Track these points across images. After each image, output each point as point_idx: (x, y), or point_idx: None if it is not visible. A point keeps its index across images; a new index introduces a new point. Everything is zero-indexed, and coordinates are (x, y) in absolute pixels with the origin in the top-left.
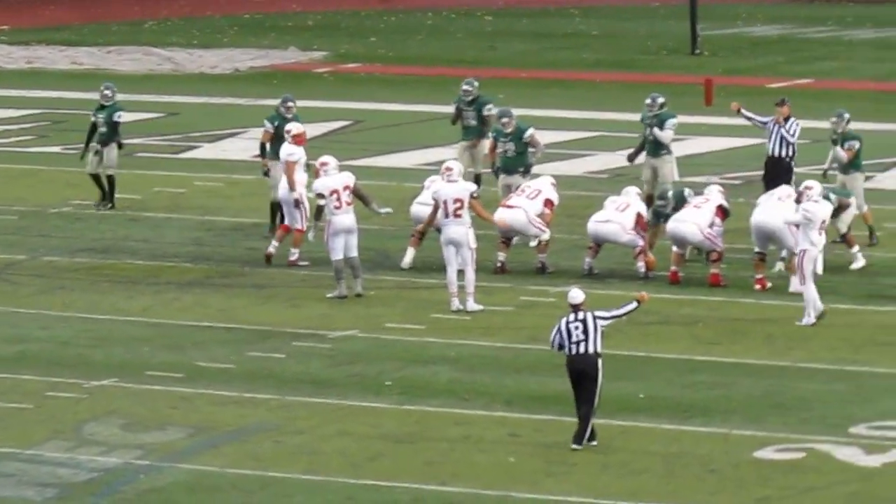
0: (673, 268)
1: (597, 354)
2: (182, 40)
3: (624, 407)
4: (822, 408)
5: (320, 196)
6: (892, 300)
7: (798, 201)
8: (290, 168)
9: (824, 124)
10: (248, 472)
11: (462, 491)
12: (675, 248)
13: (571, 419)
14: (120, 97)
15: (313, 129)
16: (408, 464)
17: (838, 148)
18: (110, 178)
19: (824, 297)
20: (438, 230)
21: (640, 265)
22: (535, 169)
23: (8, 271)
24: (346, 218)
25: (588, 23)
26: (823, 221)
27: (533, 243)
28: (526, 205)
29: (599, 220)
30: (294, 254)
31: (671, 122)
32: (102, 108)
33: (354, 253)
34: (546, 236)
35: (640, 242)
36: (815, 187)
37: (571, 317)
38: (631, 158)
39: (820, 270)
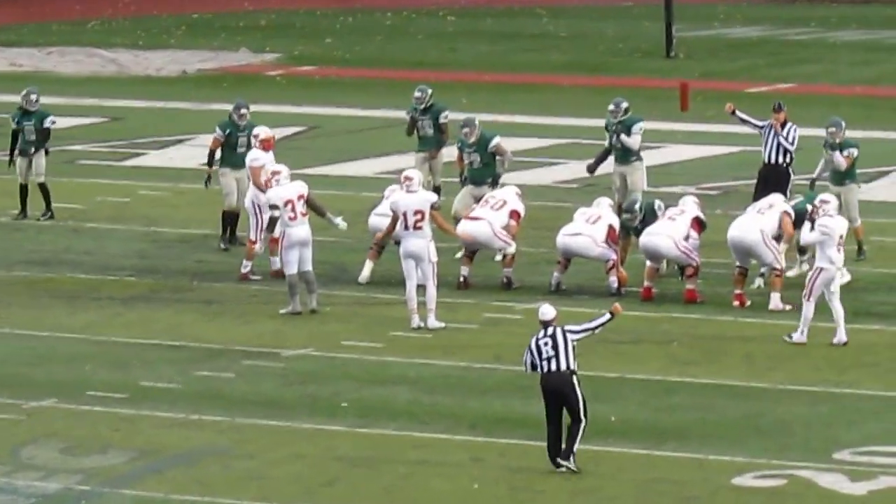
0: (646, 283)
1: (571, 371)
2: (127, 41)
3: (595, 431)
4: (805, 432)
5: (274, 207)
6: (879, 318)
7: (812, 218)
8: (255, 174)
9: (807, 132)
10: (194, 498)
11: None
12: (648, 263)
13: (538, 443)
14: (61, 100)
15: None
16: (365, 490)
17: (837, 153)
18: (43, 187)
19: None
20: (397, 243)
21: (612, 280)
22: (501, 178)
23: None
24: (301, 229)
25: (556, 23)
26: (841, 237)
27: (498, 257)
28: (490, 216)
29: (569, 232)
30: (246, 266)
31: (638, 126)
32: (27, 113)
33: (309, 266)
34: (512, 249)
35: (612, 256)
36: (832, 202)
37: (541, 333)
38: (591, 169)
39: (834, 288)
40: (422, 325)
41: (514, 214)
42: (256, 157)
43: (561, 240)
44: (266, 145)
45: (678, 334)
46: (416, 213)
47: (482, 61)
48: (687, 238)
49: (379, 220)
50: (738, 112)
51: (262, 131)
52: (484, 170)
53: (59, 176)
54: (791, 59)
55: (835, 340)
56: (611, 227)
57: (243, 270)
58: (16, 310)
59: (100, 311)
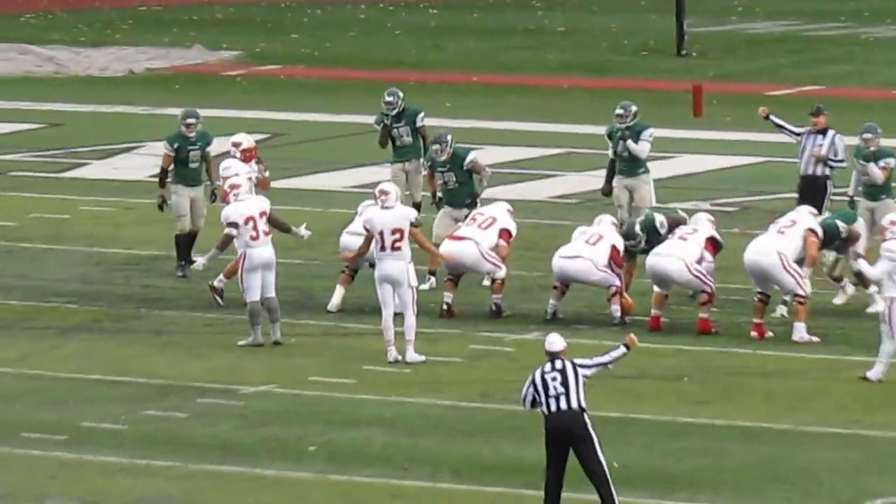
0: (654, 311)
1: (581, 409)
2: (66, 37)
3: None
4: (832, 480)
5: (232, 225)
6: None
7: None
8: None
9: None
10: None
11: None
12: (656, 288)
13: (533, 493)
14: None
15: (222, 145)
16: None
17: (872, 164)
18: None
19: (832, 346)
20: (372, 265)
21: (615, 308)
22: (486, 192)
23: None
24: (264, 250)
25: (553, 17)
26: None
27: (486, 282)
28: (478, 236)
29: (566, 255)
30: (221, 281)
31: (648, 132)
32: None
33: (272, 293)
34: (502, 273)
35: (615, 282)
36: None
37: (548, 367)
38: (607, 192)
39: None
40: (399, 358)
41: (504, 234)
42: (229, 165)
43: (557, 263)
44: (248, 156)
45: (689, 369)
46: (393, 231)
47: (469, 60)
48: (700, 260)
49: (351, 239)
50: (772, 116)
51: (243, 139)
52: (460, 189)
53: None
54: (818, 57)
55: (869, 374)
56: (614, 249)
57: (215, 281)
58: None
59: (35, 342)
